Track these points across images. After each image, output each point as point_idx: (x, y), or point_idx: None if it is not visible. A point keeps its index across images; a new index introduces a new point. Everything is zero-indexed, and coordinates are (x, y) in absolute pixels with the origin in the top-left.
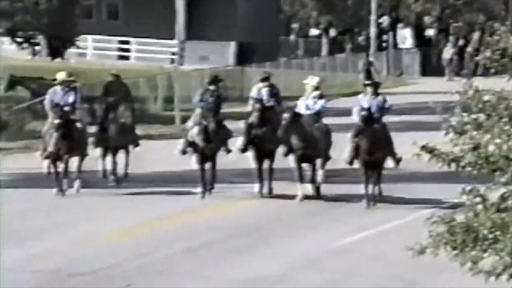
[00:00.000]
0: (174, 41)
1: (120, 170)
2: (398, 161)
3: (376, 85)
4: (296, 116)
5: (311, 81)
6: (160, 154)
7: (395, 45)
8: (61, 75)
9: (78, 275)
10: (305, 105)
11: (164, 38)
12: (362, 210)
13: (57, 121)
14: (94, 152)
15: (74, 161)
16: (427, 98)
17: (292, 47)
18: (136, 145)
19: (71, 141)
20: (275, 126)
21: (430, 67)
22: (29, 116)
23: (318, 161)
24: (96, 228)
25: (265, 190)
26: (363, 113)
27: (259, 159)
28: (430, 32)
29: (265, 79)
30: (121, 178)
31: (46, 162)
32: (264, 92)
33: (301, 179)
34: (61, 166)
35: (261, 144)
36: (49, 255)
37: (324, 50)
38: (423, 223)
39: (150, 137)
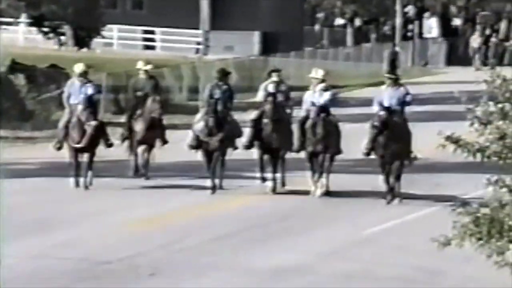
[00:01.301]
0: (199, 31)
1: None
2: (412, 159)
3: (396, 77)
4: (322, 113)
5: (316, 73)
6: (185, 144)
7: (421, 34)
8: (78, 67)
9: (104, 263)
10: (311, 99)
11: (189, 28)
12: (384, 202)
13: (76, 116)
14: (119, 142)
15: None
16: (453, 88)
17: (317, 37)
18: (164, 142)
19: (91, 134)
20: (282, 121)
21: (456, 56)
22: (54, 106)
23: (327, 155)
24: (121, 218)
25: (275, 184)
26: (381, 113)
27: (267, 153)
28: (457, 22)
29: (273, 73)
30: (146, 172)
31: (70, 153)
32: (271, 88)
33: (314, 174)
34: (81, 158)
35: (269, 138)
36: (75, 243)
37: (349, 40)
38: (447, 214)
39: (174, 127)
